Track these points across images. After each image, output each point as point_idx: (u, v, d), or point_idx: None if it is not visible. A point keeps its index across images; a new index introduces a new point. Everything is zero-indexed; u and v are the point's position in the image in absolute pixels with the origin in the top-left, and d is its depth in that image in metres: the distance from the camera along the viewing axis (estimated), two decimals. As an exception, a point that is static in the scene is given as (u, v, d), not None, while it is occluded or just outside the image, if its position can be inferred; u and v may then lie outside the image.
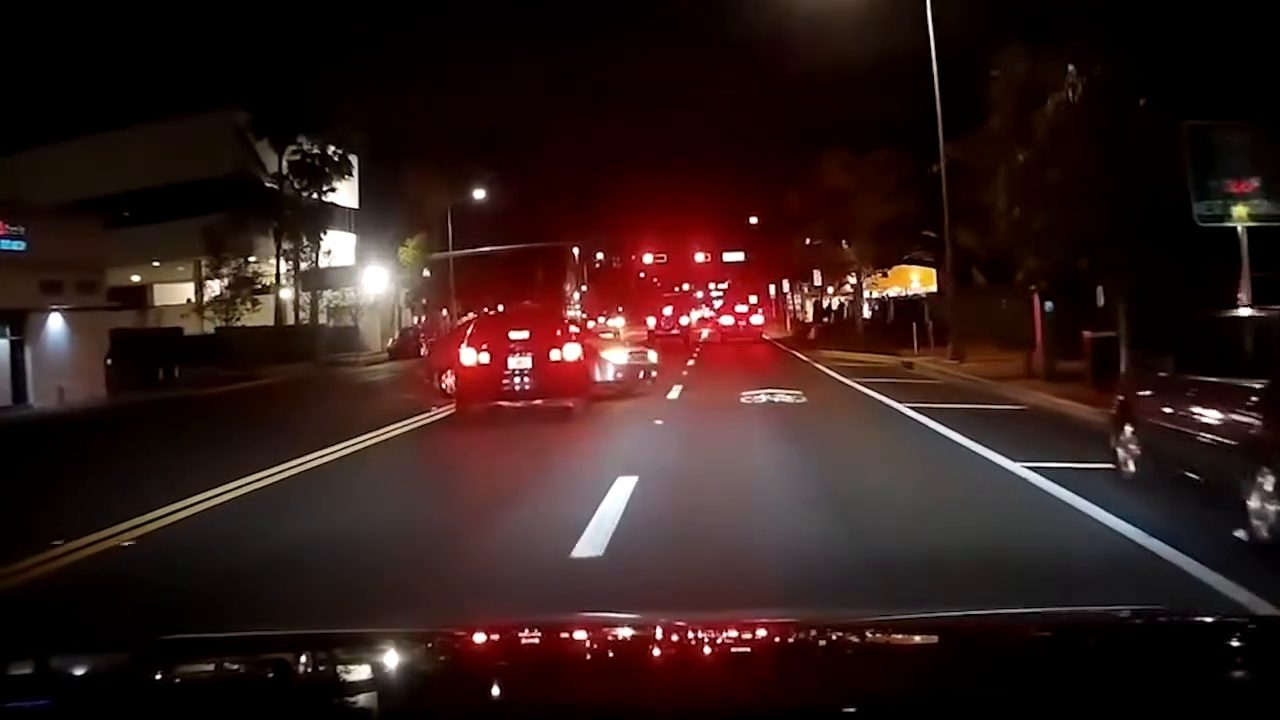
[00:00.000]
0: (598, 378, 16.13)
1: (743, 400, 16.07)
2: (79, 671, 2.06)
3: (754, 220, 65.56)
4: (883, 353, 27.57)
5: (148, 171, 42.14)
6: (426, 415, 15.21)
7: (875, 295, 39.44)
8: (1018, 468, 8.79)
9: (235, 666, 2.06)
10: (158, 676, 1.93)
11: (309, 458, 10.71)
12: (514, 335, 14.11)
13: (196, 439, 14.80)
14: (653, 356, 18.45)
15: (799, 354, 32.97)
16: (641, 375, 17.54)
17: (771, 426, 12.97)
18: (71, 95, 46.26)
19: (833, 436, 12.26)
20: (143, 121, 42.85)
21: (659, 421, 13.53)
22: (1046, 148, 16.41)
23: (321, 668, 2.01)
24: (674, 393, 17.66)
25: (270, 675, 1.88)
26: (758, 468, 9.83)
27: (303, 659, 2.01)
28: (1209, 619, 2.78)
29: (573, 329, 16.62)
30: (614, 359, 17.11)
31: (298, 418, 17.72)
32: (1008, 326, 25.67)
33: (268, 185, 41.98)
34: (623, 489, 8.15)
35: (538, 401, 13.82)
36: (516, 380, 13.67)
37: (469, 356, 14.02)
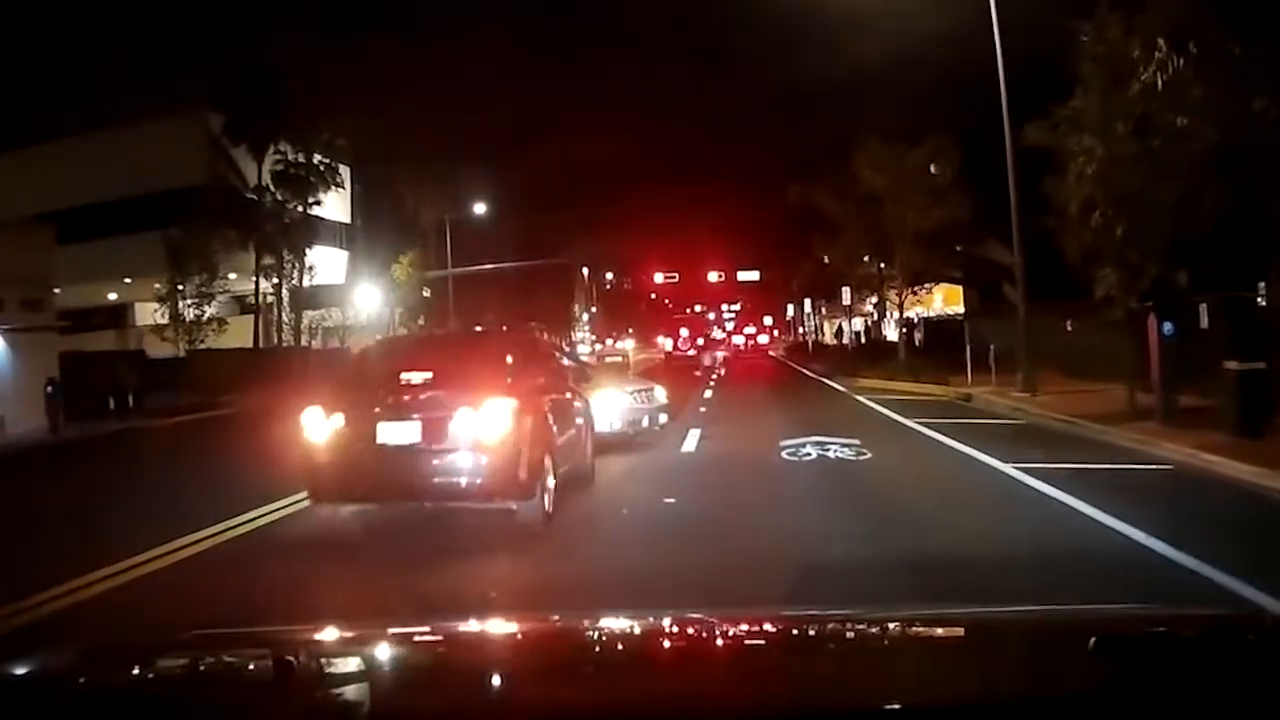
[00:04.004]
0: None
1: (784, 454, 11.85)
2: (115, 661, 2.06)
3: (770, 235, 62.05)
4: (929, 381, 23.84)
5: (115, 182, 39.46)
6: (286, 501, 9.17)
7: (898, 316, 35.72)
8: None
9: (266, 657, 2.07)
10: (194, 666, 2.04)
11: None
12: (402, 382, 7.96)
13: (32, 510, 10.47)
14: (661, 395, 13.83)
15: (832, 383, 29.15)
16: (647, 422, 13.27)
17: (837, 507, 8.96)
18: (33, 99, 43.76)
19: (940, 535, 7.55)
20: (109, 127, 40.15)
21: (670, 500, 9.25)
22: (1162, 129, 13.19)
23: (349, 660, 2.10)
24: (690, 441, 13.70)
25: (299, 666, 1.95)
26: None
27: (331, 651, 2.15)
28: (1214, 617, 2.61)
29: (528, 369, 8.91)
30: (612, 403, 12.77)
31: (172, 480, 12.68)
32: (1071, 351, 22.29)
33: (247, 196, 38.79)
34: None
35: (427, 504, 7.97)
36: (389, 465, 7.58)
37: (315, 420, 7.80)
